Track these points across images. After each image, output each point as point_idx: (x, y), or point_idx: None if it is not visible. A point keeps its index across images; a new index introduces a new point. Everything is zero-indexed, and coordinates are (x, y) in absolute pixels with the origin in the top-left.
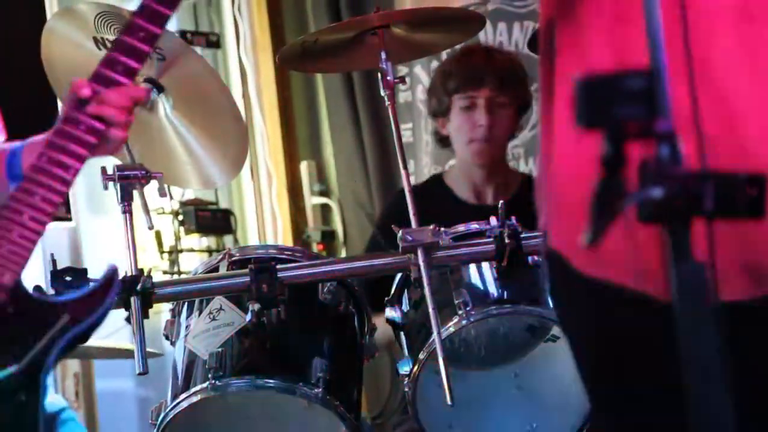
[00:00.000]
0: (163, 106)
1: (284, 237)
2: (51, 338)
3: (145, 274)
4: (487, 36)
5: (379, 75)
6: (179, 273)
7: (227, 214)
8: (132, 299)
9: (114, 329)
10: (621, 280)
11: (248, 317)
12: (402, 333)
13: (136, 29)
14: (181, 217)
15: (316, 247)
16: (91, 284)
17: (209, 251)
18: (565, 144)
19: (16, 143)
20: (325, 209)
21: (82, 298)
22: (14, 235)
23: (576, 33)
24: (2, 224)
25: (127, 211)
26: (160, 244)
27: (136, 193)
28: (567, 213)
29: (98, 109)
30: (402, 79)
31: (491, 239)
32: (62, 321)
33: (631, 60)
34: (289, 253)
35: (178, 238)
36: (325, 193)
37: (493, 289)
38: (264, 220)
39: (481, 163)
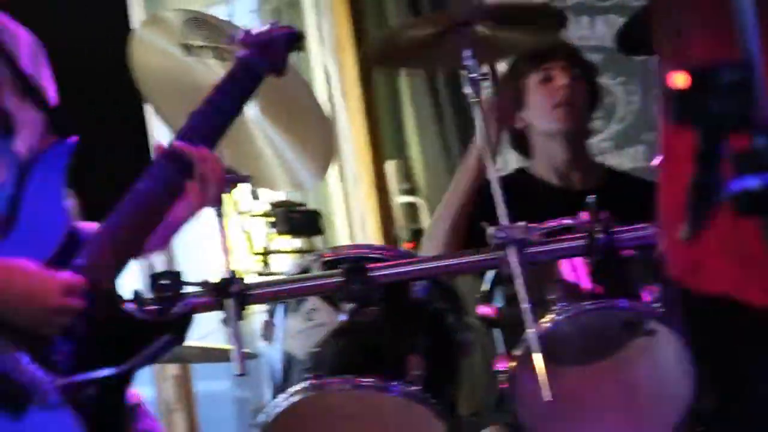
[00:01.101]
0: (252, 109)
1: (373, 236)
2: (151, 353)
3: (238, 275)
4: (569, 31)
5: (464, 72)
6: (270, 274)
7: (317, 215)
8: (227, 301)
9: (208, 331)
10: (723, 290)
11: (343, 317)
12: (497, 329)
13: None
14: (271, 219)
15: (405, 246)
16: (179, 309)
17: (300, 252)
18: (666, 147)
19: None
20: (412, 208)
21: (175, 322)
22: (115, 247)
23: (677, 35)
24: (108, 235)
25: (219, 213)
26: (251, 245)
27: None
28: (665, 216)
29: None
30: (486, 76)
31: (583, 235)
32: (163, 340)
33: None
34: (381, 252)
35: (269, 240)
36: (411, 191)
37: (586, 285)
38: (352, 221)
39: (566, 127)
